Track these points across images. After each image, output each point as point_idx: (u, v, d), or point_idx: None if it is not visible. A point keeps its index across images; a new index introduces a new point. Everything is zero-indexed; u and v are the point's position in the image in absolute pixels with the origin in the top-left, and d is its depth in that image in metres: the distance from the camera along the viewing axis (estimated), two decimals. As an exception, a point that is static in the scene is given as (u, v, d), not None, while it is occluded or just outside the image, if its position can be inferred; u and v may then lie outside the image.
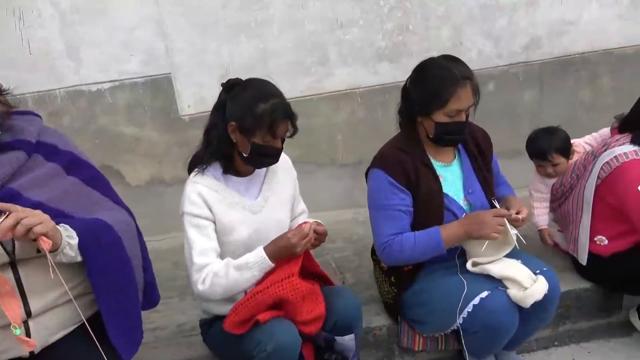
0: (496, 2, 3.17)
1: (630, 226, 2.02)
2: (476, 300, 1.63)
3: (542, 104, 3.45)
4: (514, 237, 1.69)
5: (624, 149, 1.95)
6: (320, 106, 3.15)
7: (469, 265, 1.74)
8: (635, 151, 1.93)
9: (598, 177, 2.00)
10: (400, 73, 3.18)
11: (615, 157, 1.95)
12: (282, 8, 2.91)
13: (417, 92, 1.75)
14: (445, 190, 1.81)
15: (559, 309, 2.21)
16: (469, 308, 1.64)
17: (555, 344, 2.22)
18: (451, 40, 3.19)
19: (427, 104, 1.71)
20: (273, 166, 1.78)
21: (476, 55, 3.25)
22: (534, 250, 2.54)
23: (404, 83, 3.00)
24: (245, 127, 1.55)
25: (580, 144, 2.39)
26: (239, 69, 2.97)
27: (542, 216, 2.36)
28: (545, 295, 1.65)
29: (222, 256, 1.62)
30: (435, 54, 3.16)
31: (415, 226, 1.79)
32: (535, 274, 1.68)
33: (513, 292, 1.63)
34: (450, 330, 1.79)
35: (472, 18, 3.18)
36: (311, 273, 1.74)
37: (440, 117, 1.71)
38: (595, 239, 2.11)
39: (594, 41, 3.39)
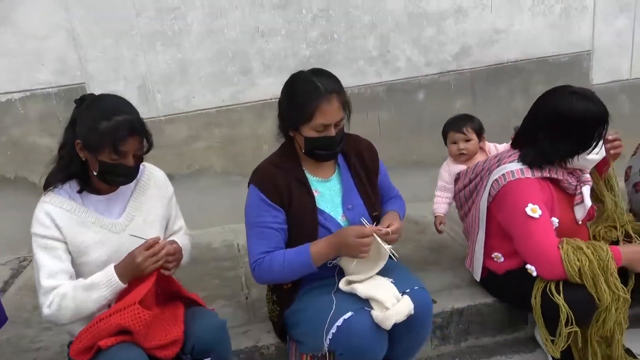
0: (424, 11, 3.15)
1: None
2: (340, 322, 1.58)
3: (474, 113, 3.37)
4: (387, 253, 1.64)
5: (512, 166, 1.90)
6: (245, 116, 3.10)
7: (341, 284, 1.69)
8: (521, 169, 1.88)
9: (489, 195, 1.96)
10: (326, 82, 3.16)
11: (503, 175, 1.90)
12: (200, 17, 2.87)
13: (286, 107, 1.71)
14: (321, 206, 1.76)
15: (459, 325, 2.20)
16: (334, 329, 1.59)
17: (456, 360, 2.19)
18: (378, 49, 3.16)
19: (294, 118, 1.67)
20: (142, 183, 1.73)
21: (404, 64, 3.22)
22: (450, 263, 2.52)
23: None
24: (90, 146, 1.49)
25: (489, 144, 2.40)
26: (157, 79, 2.93)
27: (439, 204, 2.35)
28: (413, 316, 1.61)
29: (80, 278, 1.56)
30: (362, 62, 3.21)
31: (290, 244, 1.75)
32: (404, 293, 1.63)
33: (375, 312, 1.58)
34: (326, 351, 1.74)
35: (399, 27, 3.15)
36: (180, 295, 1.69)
37: (308, 131, 1.67)
38: (492, 255, 2.07)
39: (527, 49, 3.38)
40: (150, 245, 1.50)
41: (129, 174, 1.57)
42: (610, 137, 1.95)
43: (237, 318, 2.20)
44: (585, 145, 1.81)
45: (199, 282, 2.57)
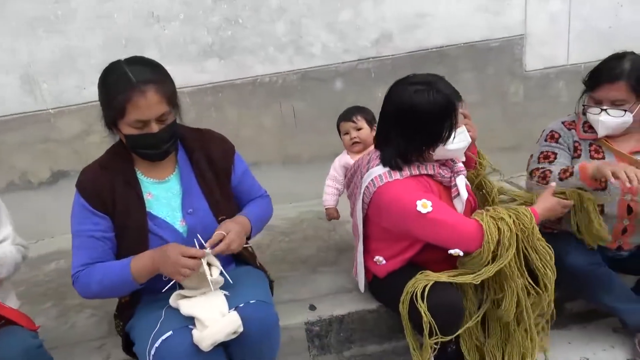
0: (337, -6, 2.95)
1: (402, 245, 1.82)
2: (158, 342, 1.41)
3: (397, 102, 3.26)
4: (215, 276, 1.46)
5: (378, 170, 1.74)
6: (144, 107, 2.90)
7: (171, 299, 1.52)
8: (388, 172, 1.72)
9: (363, 202, 1.80)
10: (233, 71, 2.96)
11: (372, 180, 1.74)
12: (86, 0, 2.65)
13: (101, 101, 1.52)
14: (154, 211, 1.57)
15: (340, 333, 2.04)
16: (153, 351, 1.42)
17: (338, 371, 2.03)
18: (289, 34, 2.96)
19: (109, 113, 1.48)
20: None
21: (319, 50, 3.03)
22: (350, 264, 2.35)
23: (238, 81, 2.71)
24: None
25: None
26: (44, 69, 2.72)
27: (327, 195, 2.34)
28: (247, 333, 1.43)
29: None
30: (272, 49, 3.01)
31: (119, 253, 1.57)
32: (237, 308, 1.46)
33: (195, 332, 1.41)
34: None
35: (312, 11, 2.95)
36: None
37: (126, 128, 1.48)
38: (375, 259, 1.91)
39: (453, 35, 3.19)
40: None
41: None
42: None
43: (99, 330, 2.03)
44: (437, 138, 1.64)
45: (73, 289, 2.39)
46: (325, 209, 2.36)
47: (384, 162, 1.72)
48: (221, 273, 1.47)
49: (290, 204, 3.20)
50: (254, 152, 3.13)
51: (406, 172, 1.70)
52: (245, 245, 1.87)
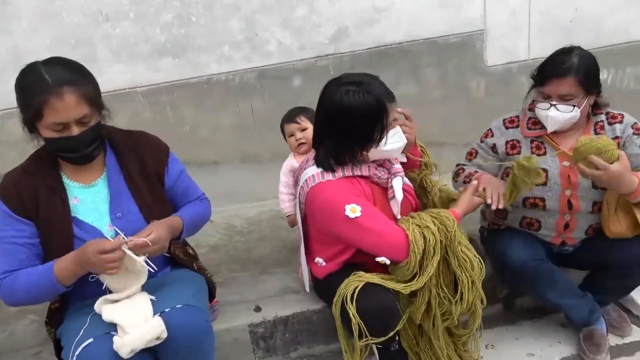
0: (292, -11, 2.91)
1: (338, 248, 1.81)
2: (79, 350, 1.38)
3: (357, 99, 3.23)
4: (145, 266, 1.44)
5: (312, 171, 1.72)
6: (97, 108, 2.84)
7: (96, 305, 1.49)
8: (321, 173, 1.70)
9: (300, 202, 1.78)
10: (188, 69, 2.92)
11: (306, 181, 1.73)
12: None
13: (18, 104, 1.48)
14: (80, 215, 1.54)
15: (285, 334, 2.02)
16: (74, 358, 1.39)
17: (286, 372, 2.02)
18: (244, 32, 2.92)
19: (26, 117, 1.45)
20: None
21: (275, 48, 2.99)
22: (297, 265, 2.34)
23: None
24: None
25: None
26: (-11, 69, 2.65)
27: (285, 202, 2.30)
28: (173, 338, 1.40)
29: None
30: (227, 47, 2.97)
31: (45, 260, 1.53)
32: (163, 313, 1.43)
33: (116, 338, 1.38)
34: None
35: (266, 7, 2.91)
36: None
37: (46, 131, 1.45)
38: (315, 260, 1.89)
39: (413, 30, 3.17)
40: None
41: None
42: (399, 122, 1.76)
43: (38, 336, 1.99)
44: (368, 139, 1.63)
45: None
46: (287, 216, 2.33)
47: (318, 162, 1.70)
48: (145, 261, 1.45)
49: (251, 203, 3.17)
50: (212, 151, 3.10)
51: (339, 173, 1.68)
52: (184, 246, 1.85)
